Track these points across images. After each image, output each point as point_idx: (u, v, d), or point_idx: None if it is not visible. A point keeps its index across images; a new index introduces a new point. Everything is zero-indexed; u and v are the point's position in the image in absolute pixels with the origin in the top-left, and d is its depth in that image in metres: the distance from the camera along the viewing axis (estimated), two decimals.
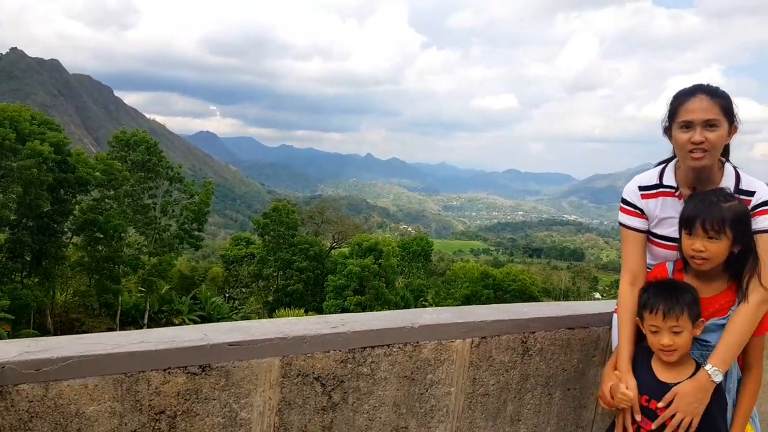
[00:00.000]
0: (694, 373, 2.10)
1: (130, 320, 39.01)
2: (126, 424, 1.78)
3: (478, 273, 49.02)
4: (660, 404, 2.08)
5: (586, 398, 2.88)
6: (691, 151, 2.14)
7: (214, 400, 1.90)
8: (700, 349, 2.17)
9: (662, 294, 2.12)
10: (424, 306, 45.35)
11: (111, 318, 38.12)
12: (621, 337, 2.30)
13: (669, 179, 2.34)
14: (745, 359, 2.20)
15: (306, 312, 38.38)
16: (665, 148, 2.40)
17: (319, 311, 41.57)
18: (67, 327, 34.96)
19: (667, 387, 2.11)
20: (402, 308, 39.89)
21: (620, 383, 2.20)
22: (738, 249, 2.10)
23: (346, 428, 2.18)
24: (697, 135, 2.11)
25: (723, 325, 2.13)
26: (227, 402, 1.92)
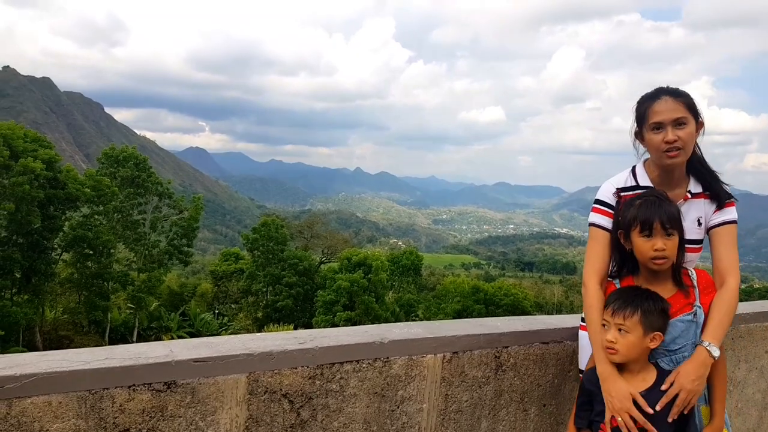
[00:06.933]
0: (655, 381, 2.09)
1: (119, 337, 38.62)
2: None
3: (469, 287, 48.90)
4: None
5: (562, 414, 2.87)
6: (666, 151, 2.24)
7: (180, 417, 1.89)
8: (669, 355, 2.15)
9: (623, 294, 2.15)
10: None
11: (100, 335, 37.74)
12: (597, 341, 2.21)
13: (644, 180, 2.40)
14: None
15: (295, 328, 38.11)
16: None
17: (309, 327, 41.28)
18: (56, 344, 34.58)
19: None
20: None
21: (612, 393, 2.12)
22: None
23: None
24: (670, 134, 2.21)
25: (691, 321, 2.14)
26: (193, 419, 1.91)
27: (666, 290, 2.19)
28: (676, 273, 2.20)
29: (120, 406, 1.80)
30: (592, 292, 2.31)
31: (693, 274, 2.25)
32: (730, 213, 2.37)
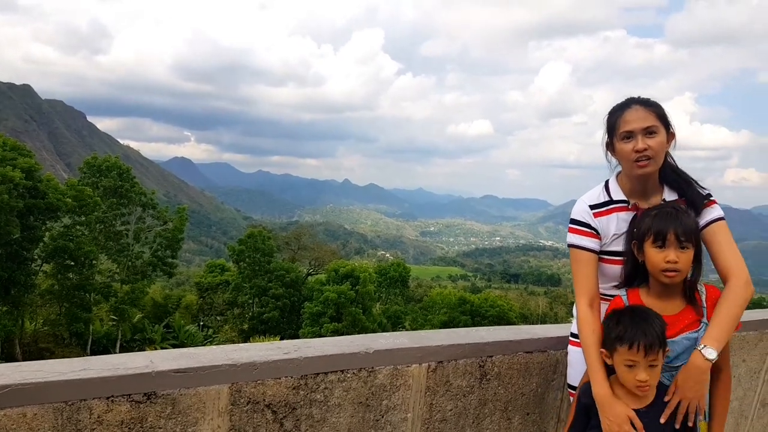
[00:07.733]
0: (655, 398, 2.07)
1: (101, 349, 38.07)
2: None
3: (455, 299, 48.97)
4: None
5: (545, 423, 2.87)
6: (636, 161, 2.21)
7: (160, 429, 1.86)
8: (669, 371, 2.12)
9: (640, 326, 2.01)
10: None
11: (81, 347, 37.18)
12: (593, 363, 2.19)
13: (617, 194, 2.39)
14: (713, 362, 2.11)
15: (281, 340, 37.79)
16: None
17: (296, 339, 40.92)
18: (36, 356, 33.97)
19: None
20: None
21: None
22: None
23: None
24: (640, 143, 2.19)
25: (695, 338, 2.08)
26: (174, 431, 1.88)
27: (674, 306, 2.15)
28: (688, 288, 2.15)
29: (98, 417, 1.76)
30: (585, 316, 2.30)
31: (702, 289, 2.18)
32: (714, 211, 2.28)
